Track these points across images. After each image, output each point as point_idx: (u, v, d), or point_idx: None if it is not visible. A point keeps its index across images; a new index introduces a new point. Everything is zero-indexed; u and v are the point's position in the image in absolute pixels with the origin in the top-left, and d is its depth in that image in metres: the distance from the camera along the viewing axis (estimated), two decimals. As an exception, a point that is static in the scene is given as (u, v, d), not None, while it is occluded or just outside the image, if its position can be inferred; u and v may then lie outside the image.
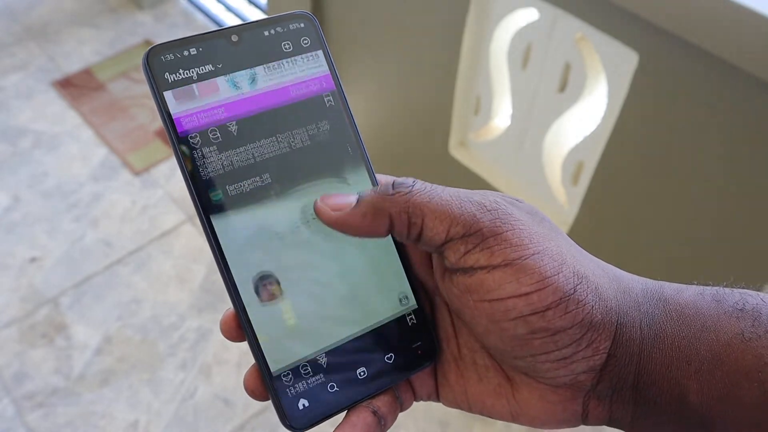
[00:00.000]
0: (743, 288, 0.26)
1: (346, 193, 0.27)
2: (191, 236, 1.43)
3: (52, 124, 1.68)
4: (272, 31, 0.28)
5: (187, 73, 0.27)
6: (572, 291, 0.24)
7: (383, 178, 0.30)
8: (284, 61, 0.28)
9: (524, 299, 0.24)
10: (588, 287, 0.25)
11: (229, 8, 1.94)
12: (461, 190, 0.27)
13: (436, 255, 0.28)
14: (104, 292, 1.33)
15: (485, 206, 0.25)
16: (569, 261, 0.25)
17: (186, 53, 0.27)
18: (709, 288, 0.26)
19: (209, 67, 0.27)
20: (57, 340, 1.25)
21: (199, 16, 2.01)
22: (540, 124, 0.93)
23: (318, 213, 0.27)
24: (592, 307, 0.25)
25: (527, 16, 0.89)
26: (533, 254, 0.24)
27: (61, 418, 1.15)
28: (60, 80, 1.79)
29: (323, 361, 0.28)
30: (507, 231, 0.25)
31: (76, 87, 1.77)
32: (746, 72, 0.64)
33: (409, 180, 0.26)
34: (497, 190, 1.04)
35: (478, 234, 0.25)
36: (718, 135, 0.71)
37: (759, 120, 0.67)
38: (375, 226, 0.26)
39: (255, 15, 1.86)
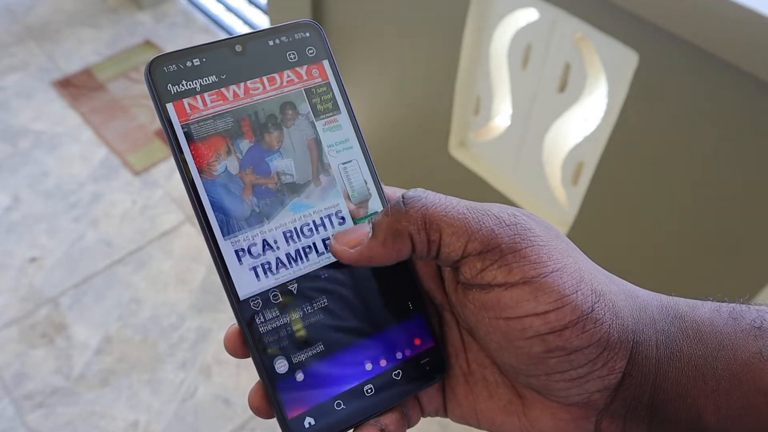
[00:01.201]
0: (760, 305, 0.26)
1: (357, 225, 0.26)
2: (191, 236, 1.43)
3: (52, 124, 1.68)
4: (277, 41, 0.28)
5: (190, 84, 0.26)
6: (590, 310, 0.24)
7: (390, 191, 0.29)
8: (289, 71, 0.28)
9: (542, 318, 0.24)
10: (605, 305, 0.24)
11: (229, 8, 1.94)
12: (476, 202, 0.26)
13: (450, 269, 0.27)
14: (104, 292, 1.33)
15: (504, 221, 0.25)
16: (587, 278, 0.25)
17: (189, 64, 0.26)
18: (725, 305, 0.26)
19: (213, 78, 0.27)
20: (57, 340, 1.25)
21: (199, 16, 2.01)
22: (540, 124, 0.93)
23: (336, 255, 0.26)
24: (609, 326, 0.24)
25: (527, 16, 0.89)
26: (552, 272, 0.24)
27: (61, 418, 1.15)
28: (60, 80, 1.79)
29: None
30: (526, 247, 0.24)
31: (76, 87, 1.77)
32: (746, 72, 0.64)
33: (420, 191, 0.26)
34: (497, 190, 1.04)
35: (497, 250, 0.24)
36: (718, 135, 0.71)
37: (759, 120, 0.67)
38: (398, 250, 0.25)
39: (255, 15, 1.86)
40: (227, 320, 1.28)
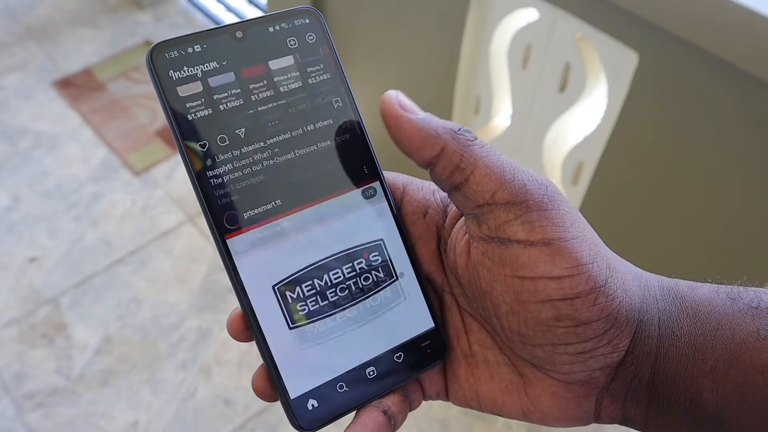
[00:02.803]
0: (757, 287, 0.26)
1: (419, 109, 0.26)
2: (191, 236, 1.43)
3: (52, 124, 1.68)
4: (277, 27, 0.28)
5: (191, 71, 0.26)
6: (604, 283, 0.24)
7: (391, 177, 0.30)
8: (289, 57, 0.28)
9: (556, 282, 0.24)
10: (618, 282, 0.25)
11: (229, 8, 1.94)
12: (515, 162, 0.27)
13: (470, 220, 0.26)
14: (104, 292, 1.33)
15: (537, 180, 0.25)
16: (603, 252, 0.25)
17: (190, 50, 0.26)
18: (723, 286, 0.26)
19: (214, 64, 0.27)
20: (57, 340, 1.25)
21: (199, 16, 2.01)
22: (540, 124, 0.93)
23: (384, 102, 0.26)
24: (620, 302, 0.24)
25: (527, 16, 0.89)
26: (572, 238, 0.24)
27: (61, 418, 1.15)
28: (60, 80, 1.79)
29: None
30: (552, 209, 0.24)
31: (76, 87, 1.77)
32: (746, 72, 0.64)
33: (472, 133, 0.26)
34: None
35: (524, 205, 0.24)
36: (718, 135, 0.71)
37: (759, 120, 0.67)
38: (424, 146, 0.25)
39: (255, 15, 1.86)
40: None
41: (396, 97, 0.26)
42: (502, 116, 1.03)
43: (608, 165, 0.85)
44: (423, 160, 0.26)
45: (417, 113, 0.25)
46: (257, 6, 1.80)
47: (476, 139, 0.25)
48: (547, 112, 0.91)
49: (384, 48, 1.15)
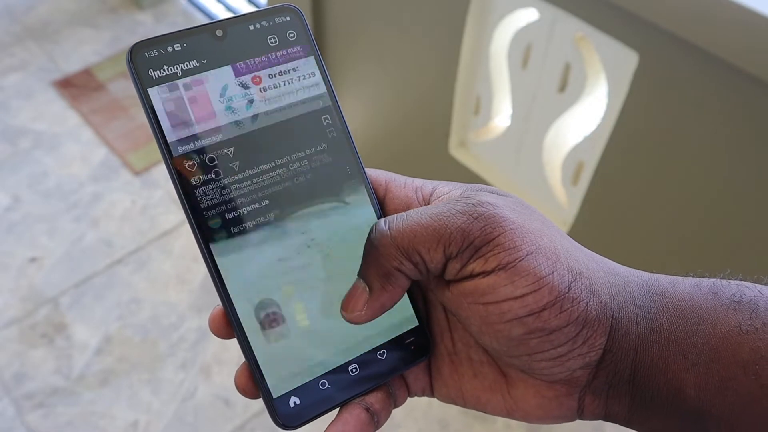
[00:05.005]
0: (740, 280, 0.26)
1: (353, 287, 0.27)
2: (191, 236, 1.43)
3: (52, 124, 1.68)
4: (257, 25, 0.28)
5: (171, 69, 0.26)
6: (567, 289, 0.24)
7: (374, 174, 0.29)
8: (270, 54, 0.28)
9: (519, 301, 0.24)
10: (582, 284, 0.25)
11: (228, 8, 1.94)
12: (444, 197, 0.27)
13: None
14: (104, 292, 1.33)
15: (471, 215, 0.25)
16: (563, 257, 0.25)
17: (170, 49, 0.26)
18: (705, 280, 0.26)
19: (194, 63, 0.27)
20: (57, 340, 1.25)
21: (199, 16, 2.01)
22: (540, 124, 0.93)
23: (354, 323, 0.27)
24: (587, 304, 0.24)
25: (527, 16, 0.89)
26: (527, 255, 0.24)
27: (61, 418, 1.15)
28: (60, 80, 1.79)
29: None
30: (499, 235, 0.24)
31: (76, 87, 1.77)
32: (746, 72, 0.64)
33: (381, 223, 0.26)
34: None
35: (471, 247, 0.24)
36: (718, 135, 0.71)
37: (759, 120, 0.67)
38: (399, 287, 0.26)
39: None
40: (227, 320, 1.28)
41: (350, 313, 0.27)
42: (502, 116, 1.03)
43: (608, 165, 0.85)
44: (407, 287, 0.26)
45: (363, 291, 0.26)
46: (257, 6, 1.80)
47: (388, 223, 0.25)
48: (547, 112, 0.91)
49: (384, 48, 1.15)
